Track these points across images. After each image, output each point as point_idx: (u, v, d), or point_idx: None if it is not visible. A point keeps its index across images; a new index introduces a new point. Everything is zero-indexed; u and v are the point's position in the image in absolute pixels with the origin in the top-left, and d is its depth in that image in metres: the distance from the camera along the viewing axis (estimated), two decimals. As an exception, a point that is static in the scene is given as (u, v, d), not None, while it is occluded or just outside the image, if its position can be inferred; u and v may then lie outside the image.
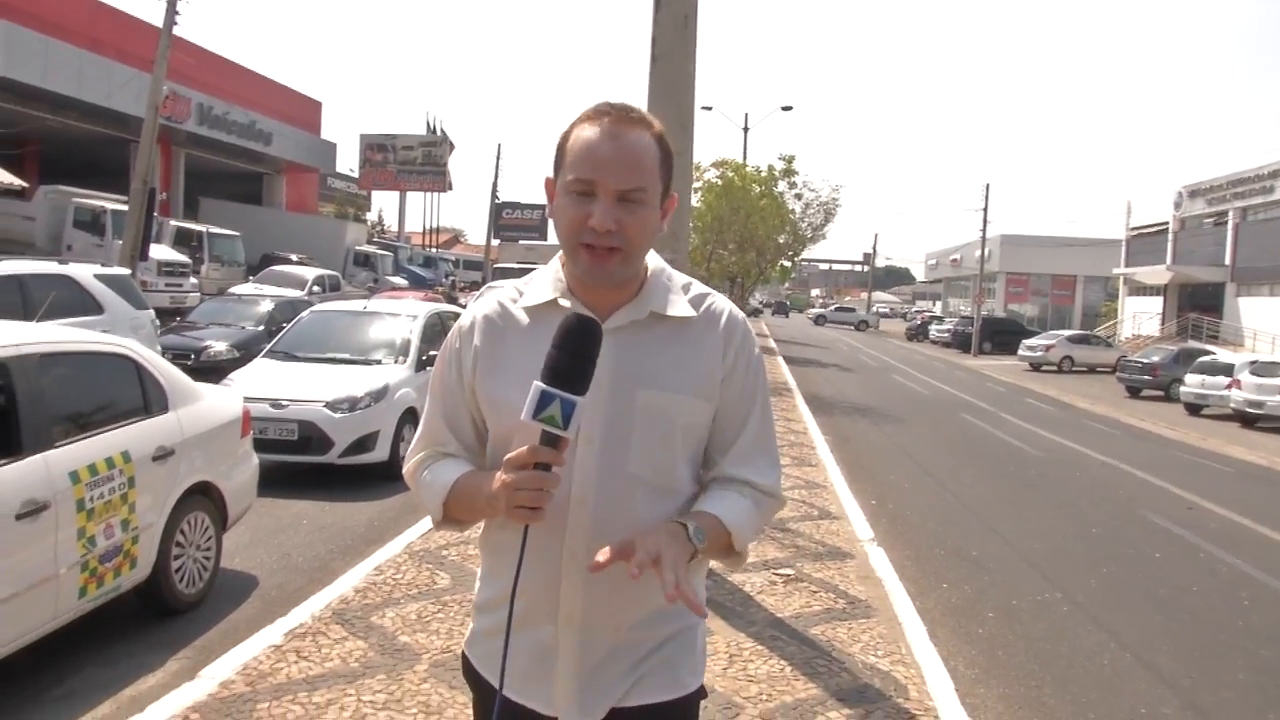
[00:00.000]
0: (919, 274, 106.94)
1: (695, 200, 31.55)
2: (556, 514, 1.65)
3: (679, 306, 1.79)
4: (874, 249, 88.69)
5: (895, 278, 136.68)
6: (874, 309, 74.31)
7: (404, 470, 1.95)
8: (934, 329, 53.19)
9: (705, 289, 1.87)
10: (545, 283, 1.81)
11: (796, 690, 4.81)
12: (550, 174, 1.77)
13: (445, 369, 1.87)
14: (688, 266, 7.23)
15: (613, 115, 1.70)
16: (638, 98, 6.85)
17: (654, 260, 1.82)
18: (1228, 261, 40.69)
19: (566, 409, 1.52)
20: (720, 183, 31.31)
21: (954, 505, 10.70)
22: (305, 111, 41.73)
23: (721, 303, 1.84)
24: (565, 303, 1.73)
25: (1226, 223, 41.18)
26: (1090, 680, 5.77)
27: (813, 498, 9.46)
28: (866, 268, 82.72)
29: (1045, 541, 9.30)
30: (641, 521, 1.67)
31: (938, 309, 74.53)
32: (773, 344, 38.16)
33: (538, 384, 1.54)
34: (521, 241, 56.81)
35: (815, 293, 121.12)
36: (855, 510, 9.14)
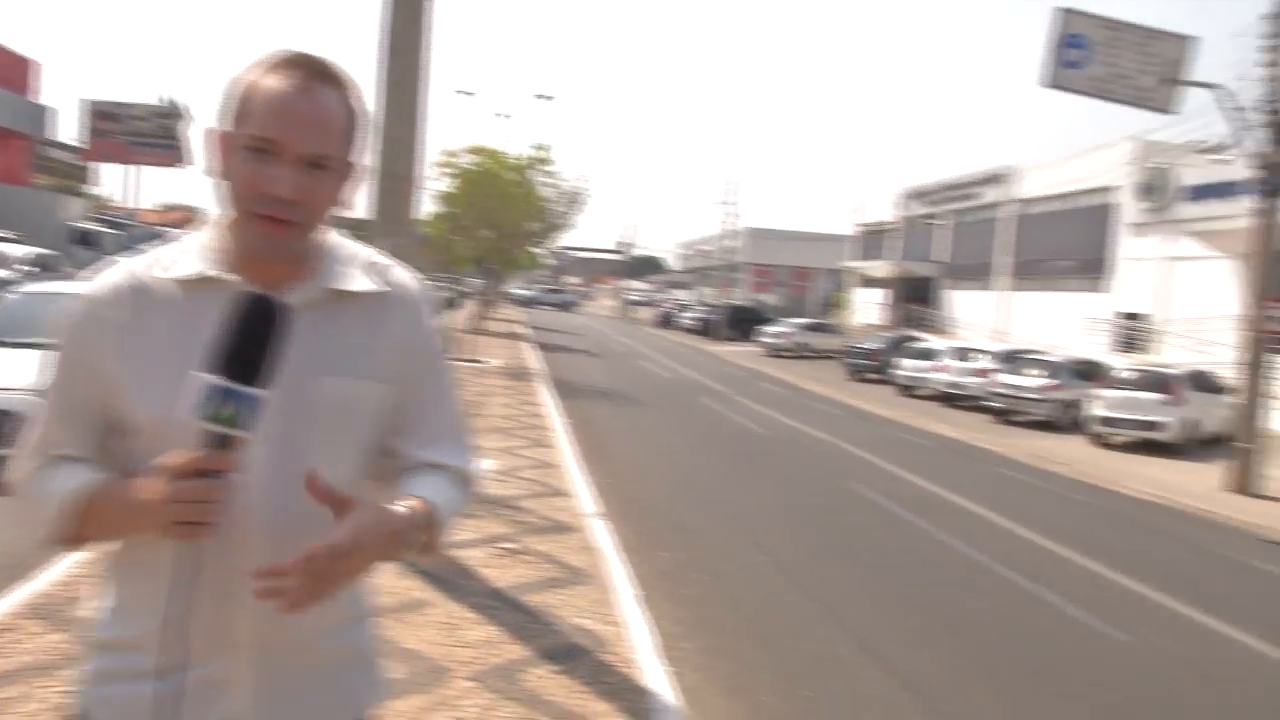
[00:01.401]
0: (673, 263, 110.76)
1: (449, 186, 31.35)
2: (224, 526, 1.40)
3: (360, 281, 1.57)
4: (629, 238, 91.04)
5: (650, 266, 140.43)
6: (624, 293, 76.19)
7: (8, 478, 1.58)
8: (683, 316, 55.25)
9: (387, 260, 1.66)
10: (191, 252, 1.53)
11: (507, 653, 5.09)
12: (216, 125, 1.50)
13: (68, 356, 1.54)
14: (415, 253, 7.32)
15: (306, 69, 1.46)
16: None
17: (328, 231, 1.60)
18: (941, 258, 44.88)
19: (245, 406, 1.32)
20: (477, 169, 31.22)
21: (681, 481, 11.37)
22: (12, 70, 37.89)
23: (405, 275, 1.66)
24: (226, 277, 1.49)
25: (941, 224, 45.40)
26: (783, 630, 6.40)
27: (545, 477, 9.80)
28: (621, 256, 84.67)
29: (760, 512, 10.08)
30: (327, 526, 1.40)
31: (688, 297, 77.40)
32: (522, 330, 38.49)
33: (206, 376, 1.32)
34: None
35: (572, 280, 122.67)
36: (585, 488, 9.55)
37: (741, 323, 47.11)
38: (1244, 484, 13.91)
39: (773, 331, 39.93)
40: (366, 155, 1.61)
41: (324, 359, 1.52)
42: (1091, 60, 15.39)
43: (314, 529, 1.39)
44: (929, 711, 5.23)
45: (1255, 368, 14.39)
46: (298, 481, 1.41)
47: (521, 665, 4.93)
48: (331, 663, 1.62)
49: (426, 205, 33.38)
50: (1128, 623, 7.10)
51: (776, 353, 38.53)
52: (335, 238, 1.61)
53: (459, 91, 60.79)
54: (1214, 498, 13.39)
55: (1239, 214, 20.33)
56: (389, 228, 6.67)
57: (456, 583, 6.13)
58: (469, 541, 6.98)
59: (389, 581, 6.00)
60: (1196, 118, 44.33)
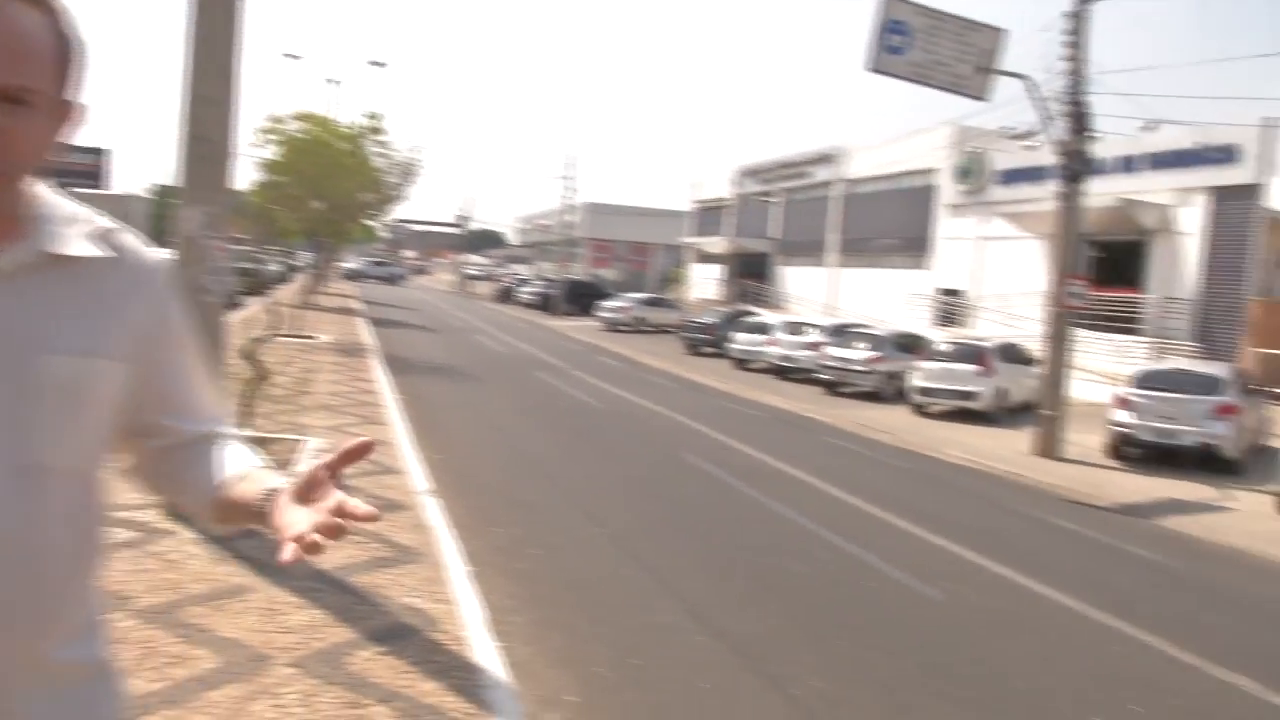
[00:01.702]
0: (512, 238, 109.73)
1: (272, 153, 30.04)
2: None
3: (82, 245, 1.38)
4: (467, 212, 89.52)
5: (489, 240, 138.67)
6: (462, 267, 75.04)
7: None
8: (521, 291, 54.89)
9: (111, 222, 1.48)
10: None
11: (331, 636, 4.94)
12: None
13: None
14: (229, 223, 6.96)
15: None
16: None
17: (39, 185, 1.40)
18: (775, 235, 46.13)
19: None
20: (304, 137, 30.00)
21: (516, 456, 11.31)
22: None
23: (136, 241, 1.48)
24: None
25: (775, 201, 46.60)
26: (615, 601, 6.46)
27: (375, 454, 9.54)
28: (460, 230, 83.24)
29: (594, 485, 10.14)
30: (58, 522, 1.31)
31: (527, 272, 77.00)
32: (355, 305, 37.40)
33: None
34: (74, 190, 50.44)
35: (409, 254, 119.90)
36: (417, 465, 9.37)
37: (580, 298, 47.14)
38: (1048, 449, 14.91)
39: (611, 306, 40.14)
40: (82, 92, 1.39)
41: (43, 334, 1.32)
42: (912, 46, 16.02)
43: (44, 527, 1.29)
44: (756, 672, 5.39)
45: (1058, 340, 15.41)
46: (19, 478, 1.27)
47: (347, 648, 4.80)
48: (65, 681, 1.41)
49: (249, 173, 31.96)
50: (945, 582, 7.51)
51: (615, 327, 38.77)
52: (51, 194, 1.40)
53: (286, 55, 58.32)
54: (1022, 462, 14.31)
55: (1045, 197, 21.71)
56: (199, 195, 6.31)
57: (278, 566, 5.91)
58: (292, 523, 6.74)
59: (203, 568, 5.73)
60: (1009, 106, 46.97)
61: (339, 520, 1.26)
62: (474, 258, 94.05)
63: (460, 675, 4.67)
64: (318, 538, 1.24)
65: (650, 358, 27.96)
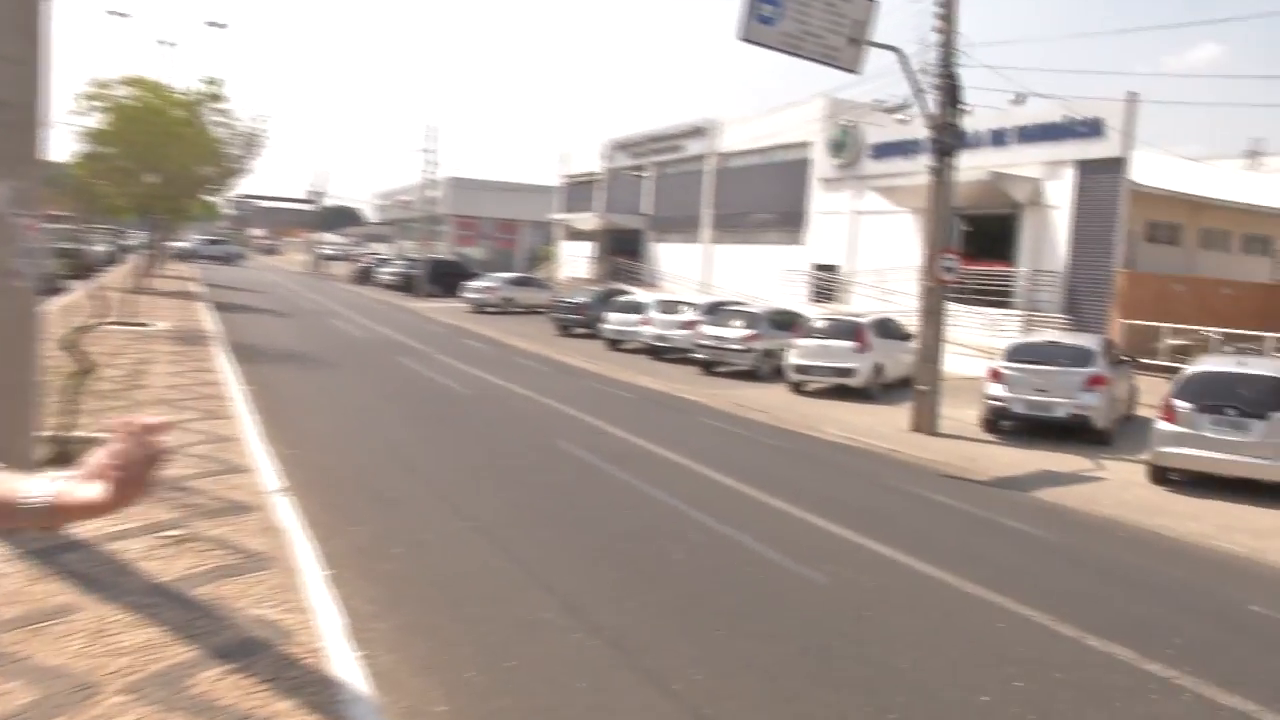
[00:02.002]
0: (371, 215, 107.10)
1: (97, 122, 28.42)
2: None
3: None
4: (321, 187, 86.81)
5: (345, 218, 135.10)
6: (316, 246, 72.82)
7: None
8: (382, 271, 53.65)
9: None
10: None
11: (171, 656, 4.65)
12: None
13: None
14: (42, 198, 6.47)
15: None
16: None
17: None
18: (647, 211, 46.27)
19: None
20: (134, 104, 28.45)
21: (376, 448, 11.00)
22: None
23: None
24: None
25: (647, 176, 46.71)
26: (486, 598, 6.31)
27: (219, 452, 9.13)
28: (313, 206, 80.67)
29: (461, 475, 9.96)
30: None
31: (387, 251, 75.36)
32: (196, 288, 35.87)
33: None
34: None
35: (257, 233, 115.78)
36: (267, 462, 8.99)
37: (445, 278, 46.42)
38: (925, 424, 15.38)
39: (478, 287, 39.65)
40: None
41: None
42: (784, 16, 16.15)
43: None
44: (633, 668, 5.34)
45: (933, 315, 15.89)
46: None
47: (188, 669, 4.53)
48: None
49: (70, 144, 30.19)
50: (824, 563, 7.63)
51: (482, 309, 38.32)
52: None
53: (111, 12, 54.88)
54: (899, 438, 14.72)
55: (918, 171, 22.32)
56: (2, 167, 5.83)
57: (108, 581, 5.55)
58: (123, 532, 6.34)
59: (17, 588, 5.33)
60: (882, 78, 48.20)
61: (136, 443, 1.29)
62: (329, 236, 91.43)
63: (317, 691, 4.46)
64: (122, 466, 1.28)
65: (519, 340, 27.75)
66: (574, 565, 7.18)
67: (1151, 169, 26.12)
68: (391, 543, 7.34)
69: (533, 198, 66.43)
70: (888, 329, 20.67)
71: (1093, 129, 23.79)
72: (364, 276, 56.16)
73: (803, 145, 34.37)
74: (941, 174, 15.81)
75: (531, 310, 38.51)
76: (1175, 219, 27.49)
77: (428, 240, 57.14)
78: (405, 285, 48.14)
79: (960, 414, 16.24)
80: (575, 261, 50.60)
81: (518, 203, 69.99)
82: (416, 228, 57.22)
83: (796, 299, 30.76)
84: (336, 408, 13.50)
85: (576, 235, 51.95)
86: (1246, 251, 30.16)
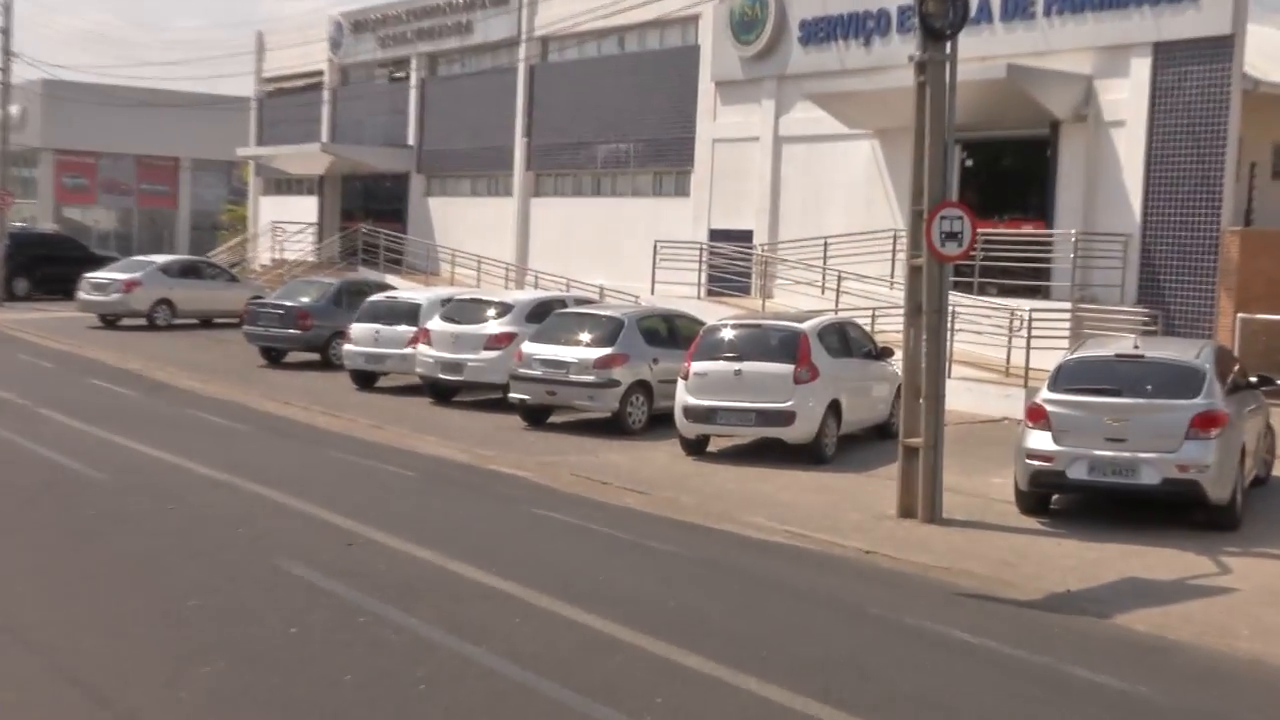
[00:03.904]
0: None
1: None
2: None
3: None
4: None
5: None
6: None
7: None
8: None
9: None
10: None
11: None
12: None
13: None
14: None
15: None
16: None
17: None
18: (414, 142, 45.69)
19: None
20: None
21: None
22: None
23: None
24: None
25: (406, 79, 46.22)
26: None
27: None
28: None
29: (103, 635, 9.72)
30: None
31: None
32: None
33: None
34: None
35: None
36: None
37: (41, 266, 45.21)
38: (922, 504, 15.35)
39: (106, 281, 38.47)
40: None
41: None
42: None
43: None
44: None
45: (932, 317, 16.01)
46: None
47: None
48: None
49: None
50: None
51: (115, 320, 37.97)
52: None
53: None
54: (879, 530, 14.79)
55: (885, 64, 22.53)
56: None
57: None
58: None
59: None
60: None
61: None
62: None
63: None
64: None
65: (191, 376, 27.42)
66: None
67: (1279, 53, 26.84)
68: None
69: (204, 119, 64.63)
70: (846, 342, 20.87)
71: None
72: None
73: (684, 22, 34.68)
74: (932, 71, 15.98)
75: (209, 321, 37.86)
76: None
77: (7, 198, 54.89)
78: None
79: (978, 484, 16.46)
80: (289, 233, 49.68)
81: (176, 129, 67.81)
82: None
83: (685, 292, 30.86)
84: None
85: (285, 185, 51.23)
86: None
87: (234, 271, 44.06)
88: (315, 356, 29.62)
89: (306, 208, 49.75)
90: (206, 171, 67.84)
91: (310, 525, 13.72)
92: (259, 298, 34.51)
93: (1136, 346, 16.89)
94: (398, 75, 46.98)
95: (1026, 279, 25.43)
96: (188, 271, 40.52)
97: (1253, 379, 17.58)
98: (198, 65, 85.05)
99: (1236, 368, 17.22)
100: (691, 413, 19.65)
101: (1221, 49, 23.92)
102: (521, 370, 22.50)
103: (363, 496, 15.45)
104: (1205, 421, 14.98)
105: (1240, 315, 23.36)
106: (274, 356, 30.42)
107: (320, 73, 50.32)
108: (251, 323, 31.64)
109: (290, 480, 16.08)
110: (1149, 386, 15.39)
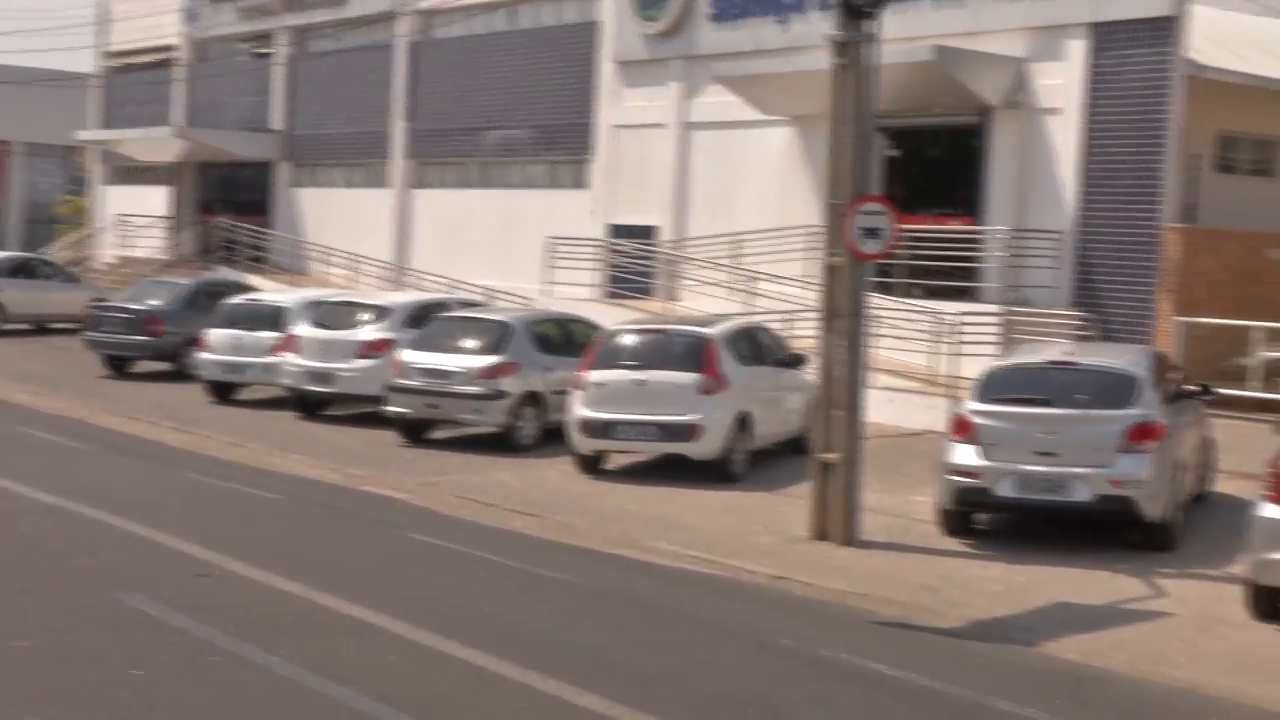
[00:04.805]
0: None
1: None
2: None
3: None
4: None
5: None
6: None
7: None
8: None
9: None
10: None
11: None
12: None
13: None
14: None
15: None
16: None
17: None
18: (280, 126, 45.41)
19: None
20: None
21: None
22: None
23: None
24: None
25: (273, 54, 45.90)
26: None
27: None
28: None
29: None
30: None
31: None
32: None
33: None
34: None
35: None
36: None
37: None
38: (837, 525, 15.38)
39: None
40: None
41: None
42: None
43: None
44: None
45: (847, 320, 16.03)
46: None
47: None
48: None
49: None
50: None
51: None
52: None
53: None
54: (791, 554, 14.80)
55: (801, 45, 22.64)
56: None
57: None
58: None
59: None
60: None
61: None
62: None
63: None
64: None
65: (23, 389, 27.19)
66: None
67: (1224, 38, 27.05)
68: None
69: (39, 98, 63.95)
70: (757, 348, 20.89)
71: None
72: None
73: (582, 1, 34.71)
74: (852, 52, 15.99)
75: (44, 326, 37.57)
76: (1269, 130, 28.57)
77: None
78: None
79: (899, 502, 16.54)
80: (137, 228, 49.12)
81: (4, 109, 67.10)
82: None
83: (582, 294, 30.82)
84: None
85: (132, 174, 50.71)
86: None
87: (73, 270, 43.49)
88: (167, 366, 29.45)
89: (157, 199, 49.31)
90: (41, 157, 67.08)
91: (158, 555, 13.48)
92: (102, 300, 34.02)
93: (1070, 353, 17.08)
94: (262, 51, 46.65)
95: (954, 280, 25.60)
96: (19, 270, 39.91)
97: (1189, 388, 17.67)
98: (31, 37, 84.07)
99: (1177, 375, 17.40)
100: (588, 426, 19.57)
101: (1163, 31, 24.21)
102: (399, 381, 22.35)
103: (218, 522, 15.25)
104: (1140, 433, 15.10)
105: (1178, 318, 23.60)
106: (119, 366, 30.23)
107: (174, 47, 49.79)
108: (94, 328, 31.27)
109: (136, 505, 15.82)
110: (1082, 396, 15.48)
